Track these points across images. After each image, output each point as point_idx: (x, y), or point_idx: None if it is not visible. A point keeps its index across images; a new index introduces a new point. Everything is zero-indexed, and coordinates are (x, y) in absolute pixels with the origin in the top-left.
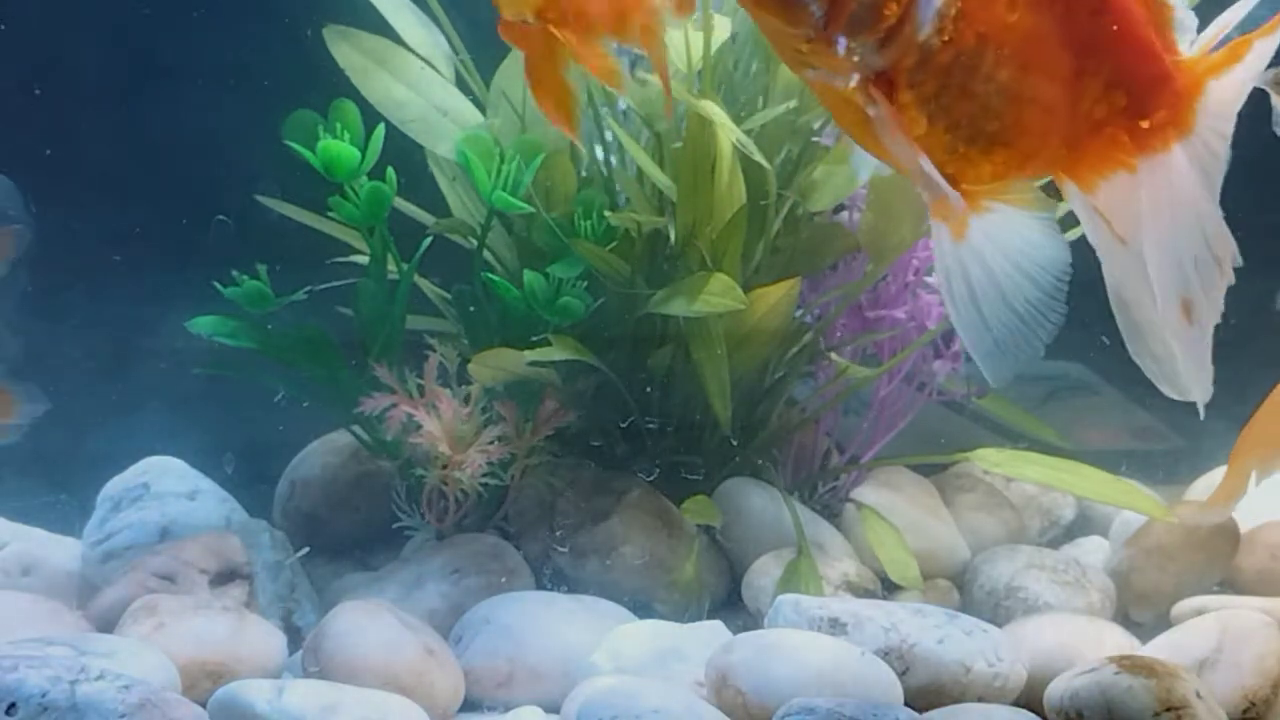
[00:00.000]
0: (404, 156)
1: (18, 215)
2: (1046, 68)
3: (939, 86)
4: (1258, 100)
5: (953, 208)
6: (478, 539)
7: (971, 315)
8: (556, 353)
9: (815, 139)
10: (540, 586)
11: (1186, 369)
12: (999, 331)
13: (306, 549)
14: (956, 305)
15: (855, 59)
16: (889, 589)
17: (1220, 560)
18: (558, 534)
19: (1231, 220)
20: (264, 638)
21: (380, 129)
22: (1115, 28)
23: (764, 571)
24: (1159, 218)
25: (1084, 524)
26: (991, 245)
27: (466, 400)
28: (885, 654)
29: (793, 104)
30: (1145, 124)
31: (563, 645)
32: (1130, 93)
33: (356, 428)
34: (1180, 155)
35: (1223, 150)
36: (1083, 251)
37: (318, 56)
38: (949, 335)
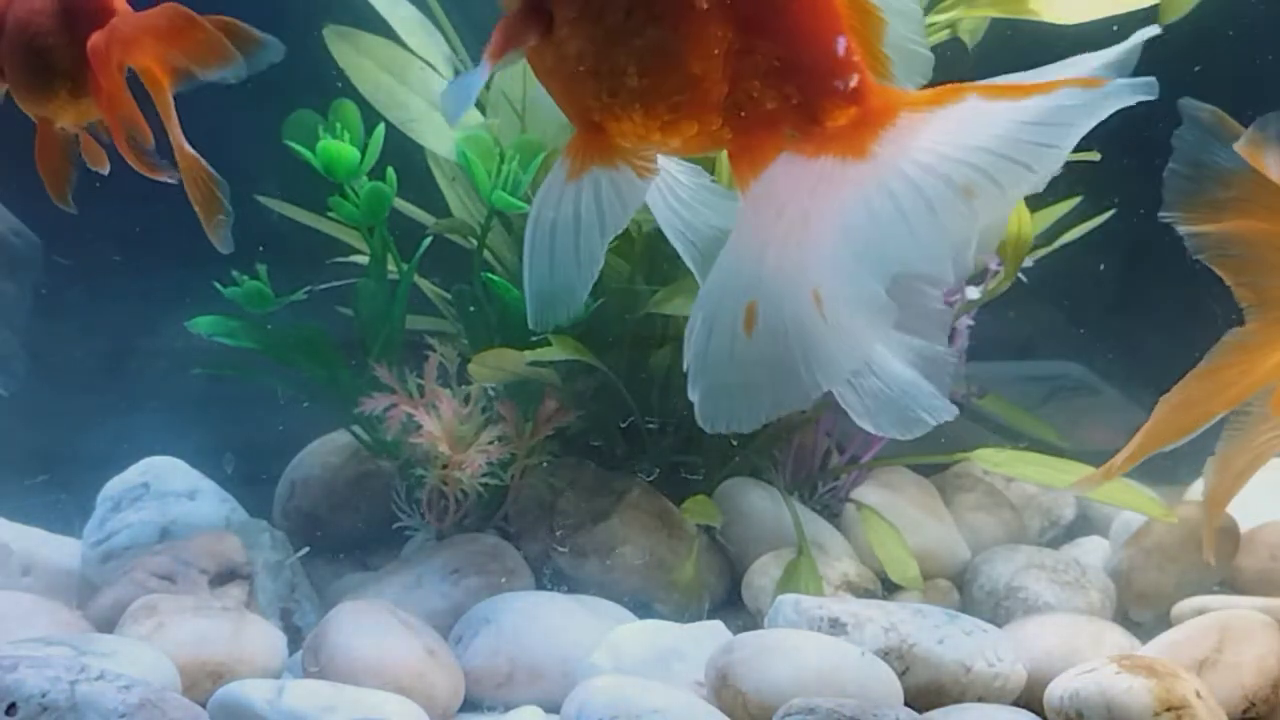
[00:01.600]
0: (404, 156)
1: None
2: (698, 38)
3: (590, 32)
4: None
5: (583, 148)
6: (478, 539)
7: (543, 251)
8: (556, 353)
9: None
10: (540, 586)
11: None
12: (559, 277)
13: (306, 549)
14: (535, 238)
15: None
16: (889, 589)
17: (1220, 560)
18: (558, 534)
19: None
20: (264, 638)
21: (380, 129)
22: (796, 17)
23: (764, 571)
24: (801, 224)
25: (1084, 524)
26: (593, 198)
27: (466, 400)
28: (885, 654)
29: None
30: (817, 128)
31: (563, 645)
32: (804, 90)
33: (356, 428)
34: (845, 172)
35: (902, 186)
36: (1083, 252)
37: (318, 56)
38: (949, 335)
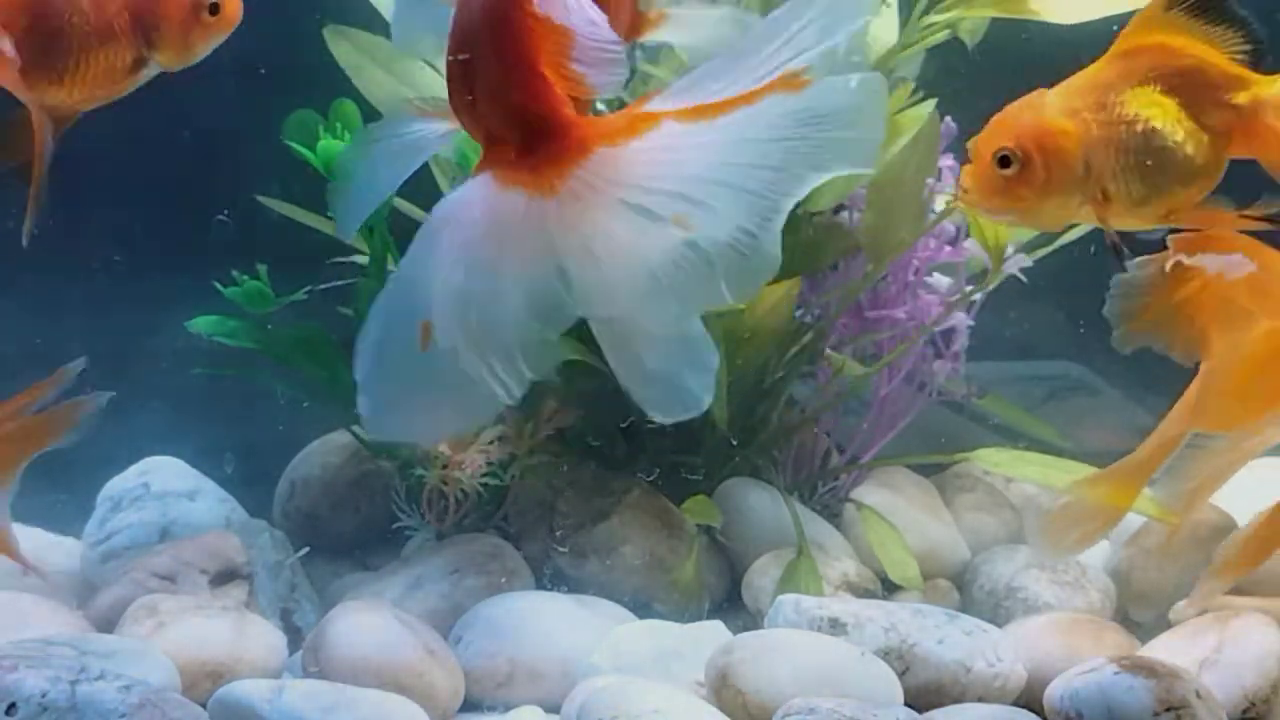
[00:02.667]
0: None
1: None
2: (474, 75)
3: None
4: None
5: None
6: (478, 539)
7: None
8: None
9: None
10: (540, 586)
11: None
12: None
13: (306, 549)
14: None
15: None
16: (889, 589)
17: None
18: (558, 534)
19: None
20: (264, 638)
21: None
22: (493, 46)
23: (764, 571)
24: (481, 249)
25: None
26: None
27: None
28: (885, 654)
29: None
30: (508, 158)
31: (563, 645)
32: (503, 119)
33: (356, 428)
34: (533, 206)
35: (594, 221)
36: (1083, 253)
37: (318, 56)
38: (949, 335)
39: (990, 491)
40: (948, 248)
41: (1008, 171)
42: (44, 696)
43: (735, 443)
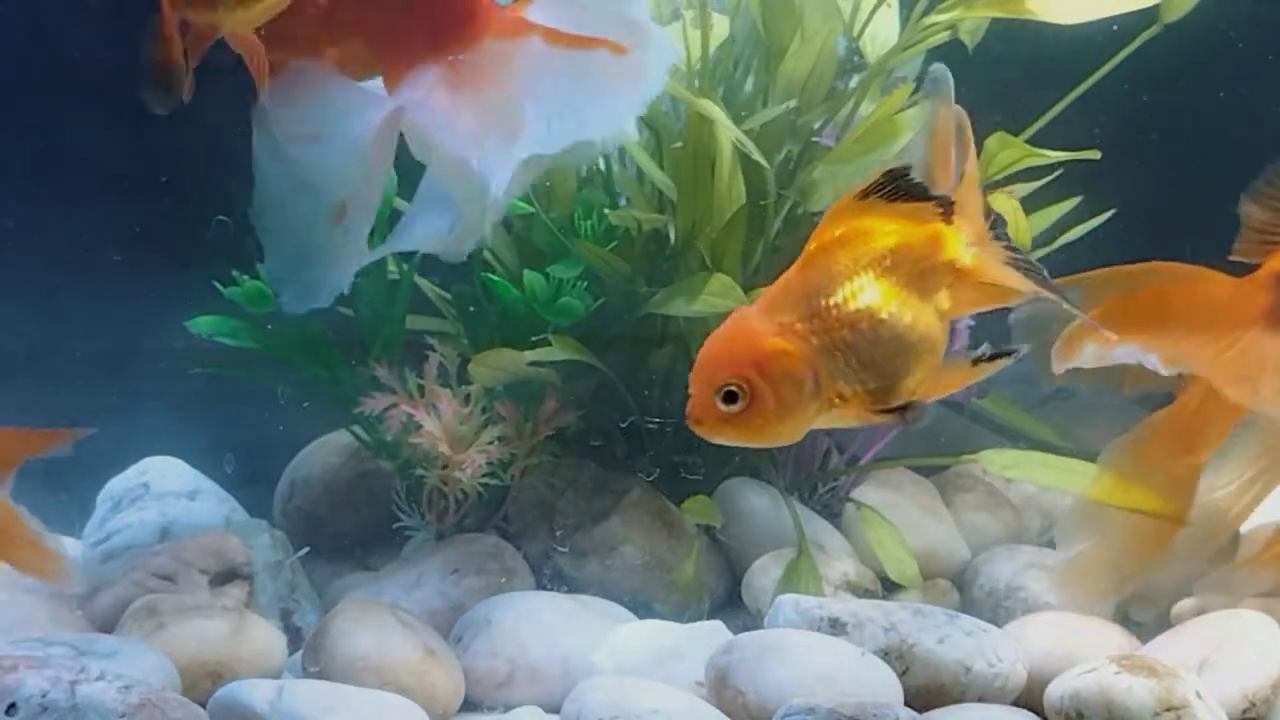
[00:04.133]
0: (404, 156)
1: None
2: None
3: None
4: None
5: None
6: (478, 539)
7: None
8: (556, 353)
9: (815, 139)
10: (540, 586)
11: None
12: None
13: (306, 549)
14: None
15: None
16: (889, 589)
17: (1220, 560)
18: (558, 534)
19: None
20: (264, 638)
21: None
22: None
23: (764, 571)
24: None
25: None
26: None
27: (466, 400)
28: (885, 654)
29: (793, 104)
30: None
31: (563, 645)
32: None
33: (356, 428)
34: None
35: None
36: (1083, 251)
37: None
38: (949, 335)
39: (990, 491)
40: None
41: (735, 407)
42: (44, 696)
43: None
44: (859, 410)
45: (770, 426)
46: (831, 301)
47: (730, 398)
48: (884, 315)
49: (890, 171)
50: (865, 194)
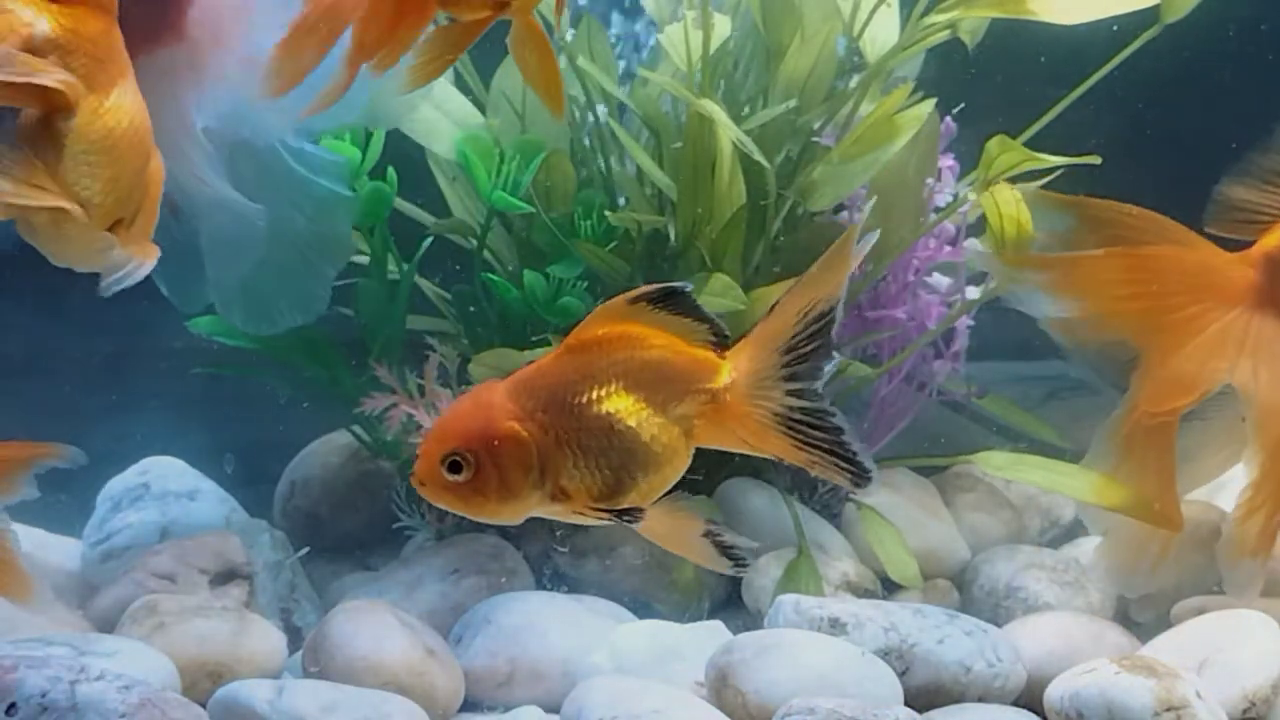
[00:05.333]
0: (404, 156)
1: None
2: None
3: None
4: None
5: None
6: (478, 539)
7: None
8: None
9: (815, 139)
10: (540, 586)
11: None
12: None
13: (306, 549)
14: None
15: None
16: (889, 589)
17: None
18: (558, 534)
19: None
20: (264, 638)
21: (380, 129)
22: None
23: (764, 571)
24: None
25: (1084, 524)
26: None
27: None
28: (885, 654)
29: (793, 104)
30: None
31: (563, 645)
32: None
33: (356, 428)
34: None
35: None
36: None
37: None
38: (949, 335)
39: (990, 491)
40: (948, 248)
41: (459, 477)
42: (44, 696)
43: None
44: (581, 507)
45: (489, 505)
46: (576, 400)
47: (455, 468)
48: (622, 427)
49: (669, 287)
50: (637, 300)
